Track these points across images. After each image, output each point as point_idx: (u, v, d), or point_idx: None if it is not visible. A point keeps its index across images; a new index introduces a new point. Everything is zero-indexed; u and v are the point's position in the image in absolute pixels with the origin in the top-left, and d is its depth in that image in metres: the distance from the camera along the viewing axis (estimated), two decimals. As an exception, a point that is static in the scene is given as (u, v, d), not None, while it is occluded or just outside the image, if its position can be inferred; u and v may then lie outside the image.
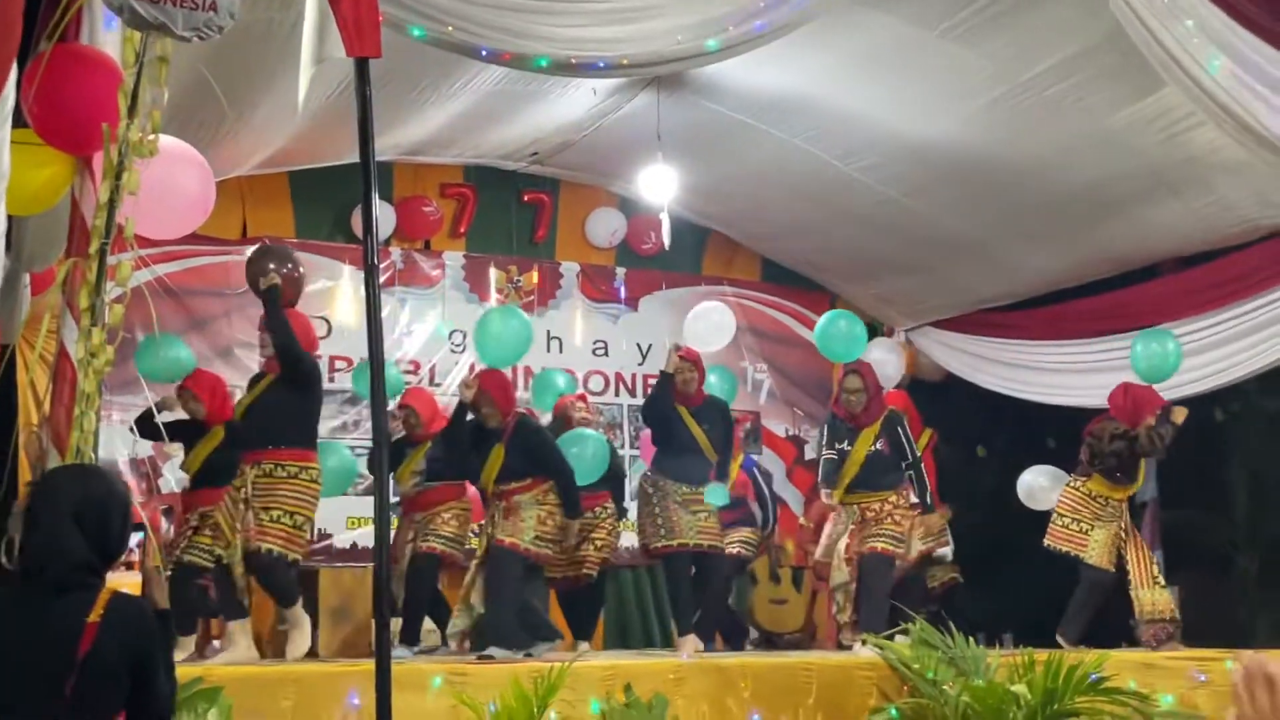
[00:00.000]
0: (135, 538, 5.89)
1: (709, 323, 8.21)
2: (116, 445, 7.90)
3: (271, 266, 6.62)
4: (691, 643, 7.29)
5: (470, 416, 7.12)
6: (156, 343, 6.97)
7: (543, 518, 7.01)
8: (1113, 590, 7.79)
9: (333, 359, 9.12)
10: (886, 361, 9.60)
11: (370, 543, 8.34)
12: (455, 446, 7.32)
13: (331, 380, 9.06)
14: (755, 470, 9.18)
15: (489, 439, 7.05)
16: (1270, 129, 6.60)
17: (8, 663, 2.88)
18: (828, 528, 7.94)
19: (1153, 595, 7.69)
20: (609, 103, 8.58)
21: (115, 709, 2.96)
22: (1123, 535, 7.78)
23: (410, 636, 7.32)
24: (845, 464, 7.52)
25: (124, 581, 3.59)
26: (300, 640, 6.57)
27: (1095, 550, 7.74)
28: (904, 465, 7.58)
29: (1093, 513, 7.78)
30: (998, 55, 7.19)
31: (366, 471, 8.39)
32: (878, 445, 7.53)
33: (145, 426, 7.03)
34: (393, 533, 8.18)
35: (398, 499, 7.71)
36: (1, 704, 2.87)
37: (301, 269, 6.90)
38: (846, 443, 7.56)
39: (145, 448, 8.16)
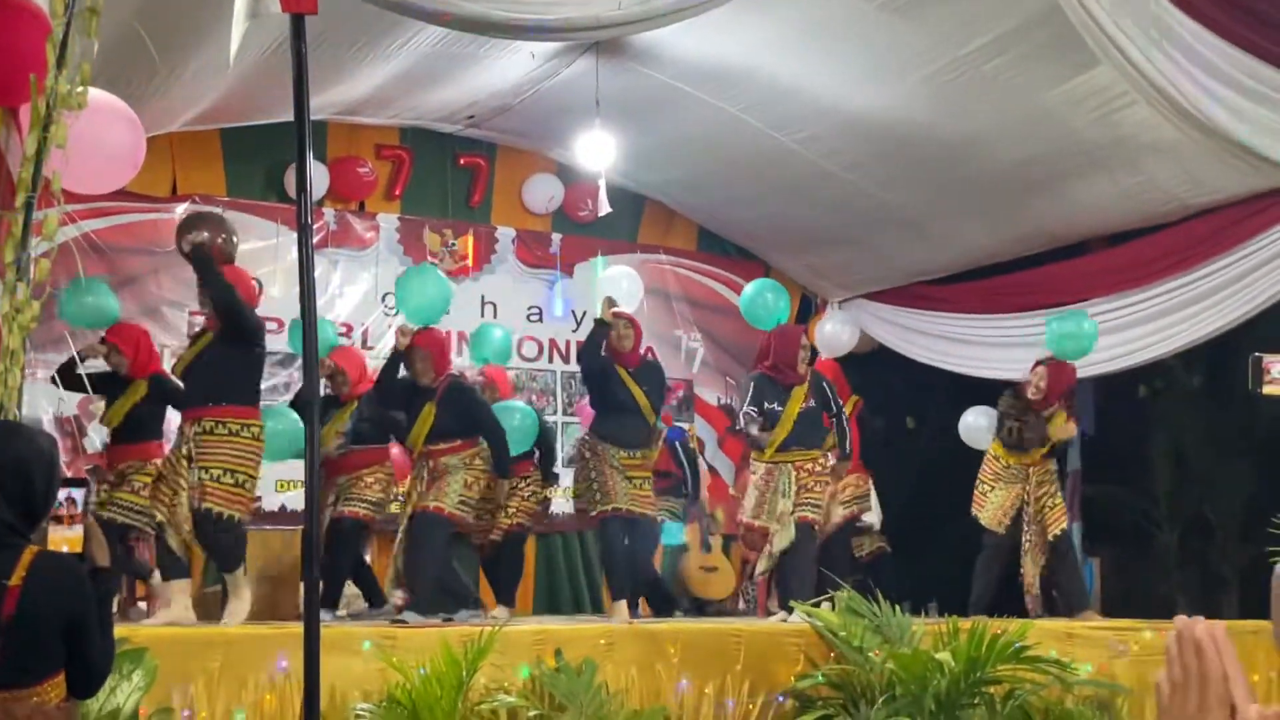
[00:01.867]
0: (75, 493, 5.79)
1: (615, 288, 8.18)
2: (41, 403, 7.76)
3: (201, 230, 6.52)
4: (622, 608, 7.33)
5: (403, 374, 7.10)
6: (82, 287, 6.83)
7: (469, 482, 7.03)
8: (1008, 554, 7.94)
9: (263, 320, 9.00)
10: (840, 333, 9.72)
11: (299, 506, 8.30)
12: (386, 401, 7.30)
13: (262, 342, 8.98)
14: (676, 443, 9.22)
15: (421, 397, 7.03)
16: (1201, 109, 6.70)
17: None
18: (750, 489, 7.87)
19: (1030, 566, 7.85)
20: (547, 67, 8.53)
21: (50, 670, 2.91)
22: (1025, 500, 7.90)
23: (330, 601, 7.21)
24: (778, 422, 7.59)
25: (65, 538, 3.54)
26: (238, 608, 6.40)
27: (988, 512, 7.98)
28: (830, 417, 7.71)
29: (993, 474, 8.05)
30: (935, 29, 7.23)
31: None
32: (809, 403, 7.63)
33: (67, 377, 6.92)
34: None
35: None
36: None
37: (235, 237, 6.79)
38: (777, 403, 7.62)
39: (70, 405, 8.04)
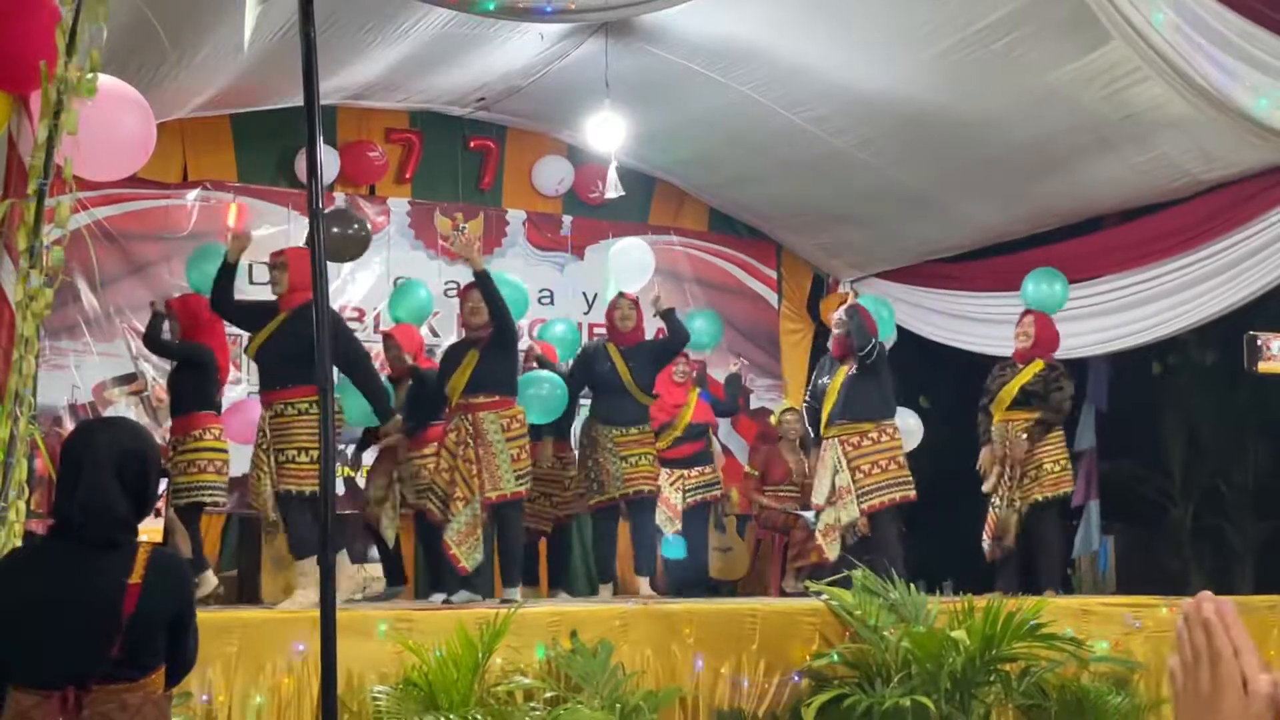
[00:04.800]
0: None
1: (628, 259, 8.20)
2: (56, 390, 7.79)
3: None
4: (640, 583, 7.50)
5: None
6: (204, 254, 7.05)
7: (516, 455, 6.99)
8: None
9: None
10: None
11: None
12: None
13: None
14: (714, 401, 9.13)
15: (463, 346, 7.09)
16: (1213, 83, 6.67)
17: (53, 623, 2.86)
18: (816, 469, 7.94)
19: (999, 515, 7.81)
20: (557, 48, 8.51)
21: (157, 663, 2.98)
22: (1004, 456, 7.82)
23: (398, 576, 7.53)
24: (825, 396, 7.65)
25: (144, 529, 3.56)
26: (303, 598, 6.13)
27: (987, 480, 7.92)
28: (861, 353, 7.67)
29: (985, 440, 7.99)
30: (946, 6, 7.20)
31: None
32: (851, 370, 7.65)
33: (154, 342, 6.95)
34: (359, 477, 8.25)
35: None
36: (51, 664, 2.85)
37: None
38: (827, 376, 7.68)
39: (85, 393, 8.06)
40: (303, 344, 5.67)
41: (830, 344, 8.09)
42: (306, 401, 6.20)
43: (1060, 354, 8.15)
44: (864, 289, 10.68)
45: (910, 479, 7.72)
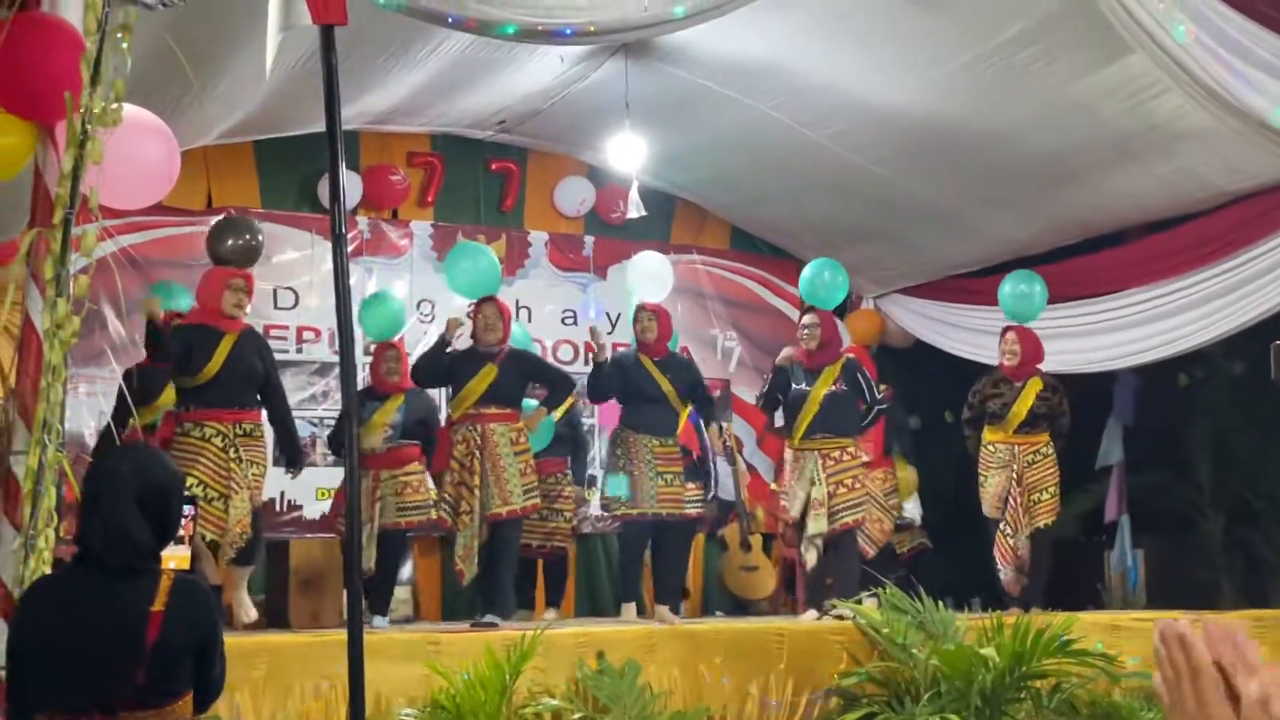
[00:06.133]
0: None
1: (643, 271, 8.20)
2: (84, 417, 7.84)
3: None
4: (659, 610, 7.37)
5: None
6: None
7: (523, 470, 7.11)
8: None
9: (300, 330, 9.09)
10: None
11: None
12: (425, 380, 7.59)
13: (300, 351, 9.04)
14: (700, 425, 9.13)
15: (479, 359, 7.19)
16: (1236, 95, 6.64)
17: (78, 650, 2.87)
18: (789, 481, 7.79)
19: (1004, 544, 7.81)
20: (576, 70, 8.54)
21: (184, 689, 2.98)
22: (1013, 481, 7.84)
23: (382, 608, 7.31)
24: (804, 404, 7.57)
25: (171, 555, 3.58)
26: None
27: (986, 500, 7.93)
28: (865, 409, 7.73)
29: (985, 461, 8.03)
30: (965, 21, 7.19)
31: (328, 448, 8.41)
32: (836, 386, 7.60)
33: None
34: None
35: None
36: (78, 691, 2.86)
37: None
38: (805, 383, 7.61)
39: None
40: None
41: (795, 352, 7.88)
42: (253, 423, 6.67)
43: (1085, 368, 8.14)
44: (887, 304, 10.67)
45: (867, 502, 7.84)
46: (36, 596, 3.09)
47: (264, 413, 6.80)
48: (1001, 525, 7.82)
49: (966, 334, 10.03)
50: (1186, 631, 1.28)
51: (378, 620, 7.12)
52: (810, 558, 7.57)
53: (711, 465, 9.06)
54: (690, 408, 8.13)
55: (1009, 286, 8.32)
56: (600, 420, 9.72)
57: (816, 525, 7.48)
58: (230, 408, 6.57)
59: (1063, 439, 8.03)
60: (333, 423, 8.39)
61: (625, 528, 7.64)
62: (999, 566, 7.83)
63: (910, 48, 7.54)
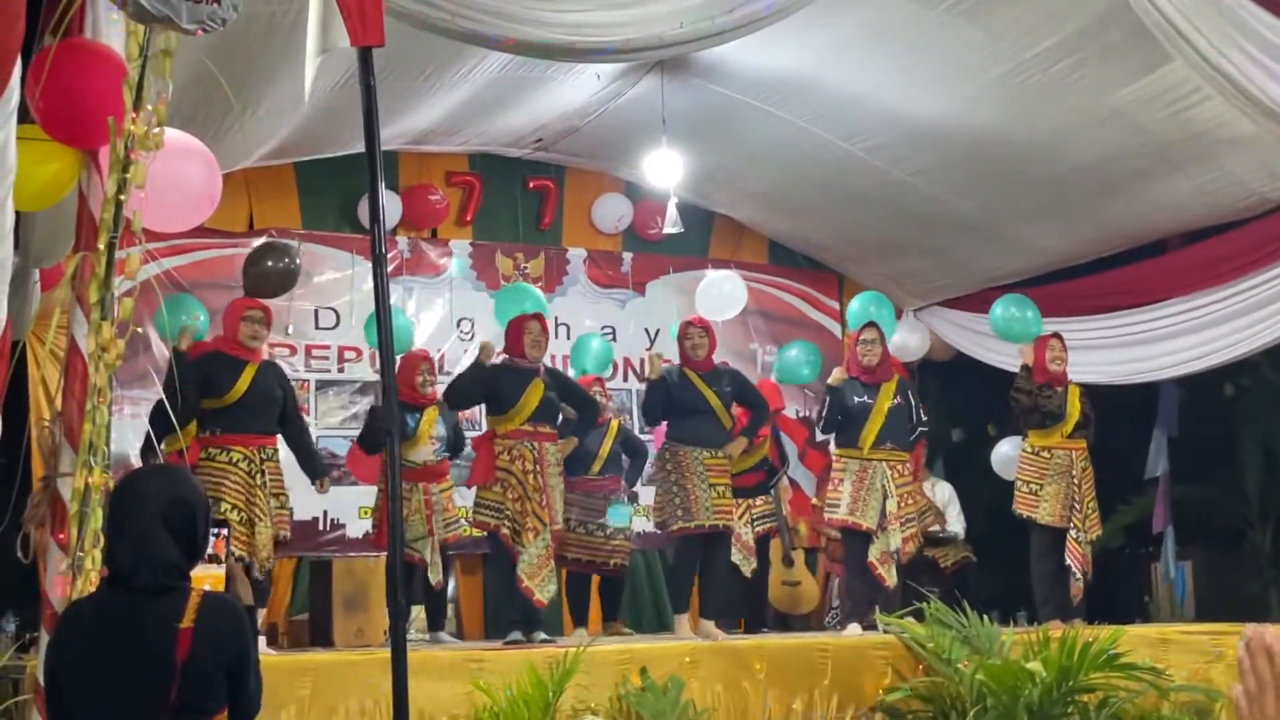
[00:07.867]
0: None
1: (719, 292, 8.24)
2: (129, 439, 7.90)
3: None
4: (684, 622, 7.36)
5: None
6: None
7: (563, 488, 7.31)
8: (1062, 550, 7.79)
9: (341, 349, 9.14)
10: (908, 340, 9.85)
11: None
12: (459, 401, 7.66)
13: (341, 370, 9.10)
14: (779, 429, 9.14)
15: (524, 376, 7.19)
16: (1276, 100, 6.57)
17: (109, 672, 2.89)
18: (843, 486, 7.65)
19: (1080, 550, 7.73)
20: (613, 88, 8.57)
21: (217, 708, 2.97)
22: (1074, 489, 7.76)
23: (442, 620, 7.62)
24: (870, 415, 7.57)
25: (206, 575, 3.60)
26: None
27: (1045, 507, 7.77)
28: (910, 427, 7.76)
29: (1037, 469, 7.90)
30: (1001, 32, 7.17)
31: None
32: (896, 401, 7.62)
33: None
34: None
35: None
36: (113, 712, 2.88)
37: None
38: (867, 396, 7.60)
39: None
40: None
41: (850, 366, 7.83)
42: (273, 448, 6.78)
43: (1129, 379, 8.05)
44: (927, 317, 10.62)
45: (917, 520, 7.82)
46: (70, 619, 3.11)
47: (279, 436, 6.88)
48: (1072, 531, 7.70)
49: (1008, 346, 9.96)
50: (1275, 644, 1.26)
51: (443, 635, 7.50)
52: (890, 576, 7.41)
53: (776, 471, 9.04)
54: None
55: (1000, 309, 8.49)
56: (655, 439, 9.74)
57: (895, 539, 7.43)
58: (254, 432, 6.67)
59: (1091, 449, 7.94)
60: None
61: (682, 542, 7.54)
62: (1074, 574, 7.67)
63: (947, 60, 7.52)
